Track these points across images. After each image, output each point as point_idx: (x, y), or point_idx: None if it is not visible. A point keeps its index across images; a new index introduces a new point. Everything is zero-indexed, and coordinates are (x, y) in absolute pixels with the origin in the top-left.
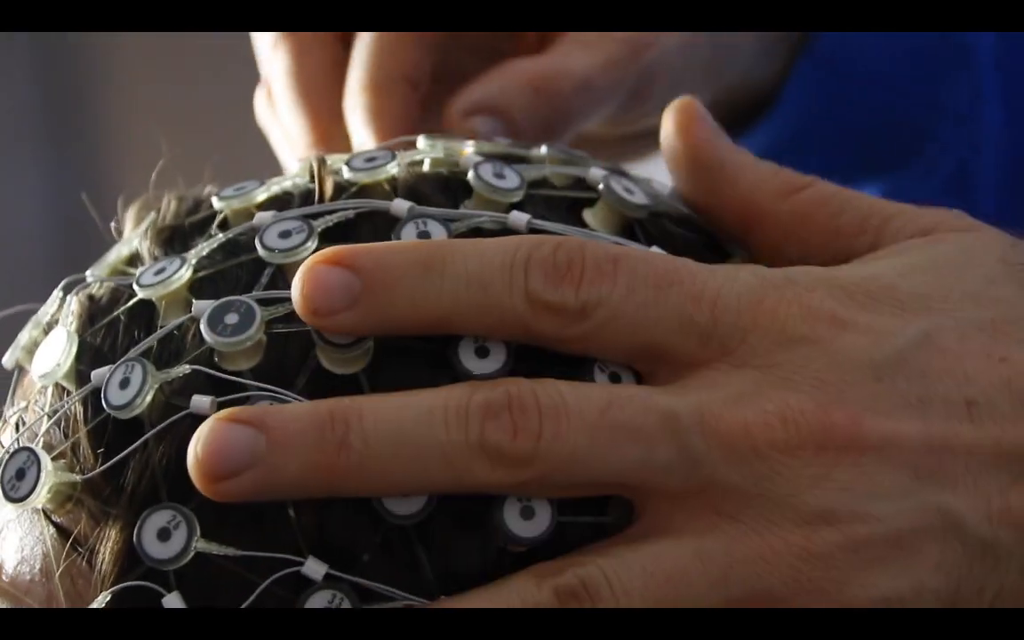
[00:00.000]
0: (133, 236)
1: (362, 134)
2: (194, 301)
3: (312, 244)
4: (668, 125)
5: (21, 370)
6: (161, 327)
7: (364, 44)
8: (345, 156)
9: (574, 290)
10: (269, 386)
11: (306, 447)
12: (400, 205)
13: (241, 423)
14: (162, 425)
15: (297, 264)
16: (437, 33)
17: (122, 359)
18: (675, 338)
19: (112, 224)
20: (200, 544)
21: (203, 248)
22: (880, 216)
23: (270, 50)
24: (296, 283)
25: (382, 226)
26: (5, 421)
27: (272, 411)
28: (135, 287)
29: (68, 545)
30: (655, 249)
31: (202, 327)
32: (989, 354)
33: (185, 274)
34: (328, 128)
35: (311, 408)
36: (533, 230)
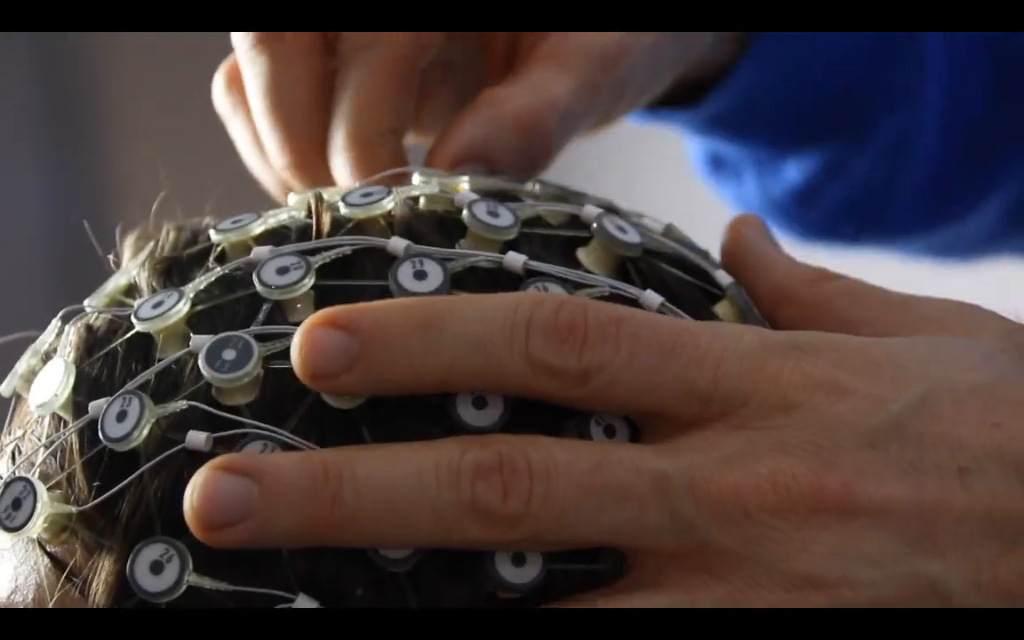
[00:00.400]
0: (131, 266)
1: (349, 183)
2: (192, 336)
3: (309, 280)
4: (731, 229)
5: (19, 398)
6: (159, 360)
7: (349, 95)
8: (341, 190)
9: (576, 353)
10: (265, 425)
11: (299, 500)
12: (397, 243)
13: (235, 473)
14: (157, 459)
15: (295, 300)
16: (422, 54)
17: (119, 392)
18: (676, 402)
19: (111, 256)
20: (192, 578)
21: (201, 282)
22: (894, 309)
23: (248, 50)
24: (295, 345)
25: (379, 264)
26: (1, 450)
27: (266, 461)
28: (133, 320)
29: (63, 576)
30: (649, 293)
31: (200, 363)
32: (982, 420)
33: (183, 308)
34: (306, 152)
35: (304, 459)
36: (529, 271)
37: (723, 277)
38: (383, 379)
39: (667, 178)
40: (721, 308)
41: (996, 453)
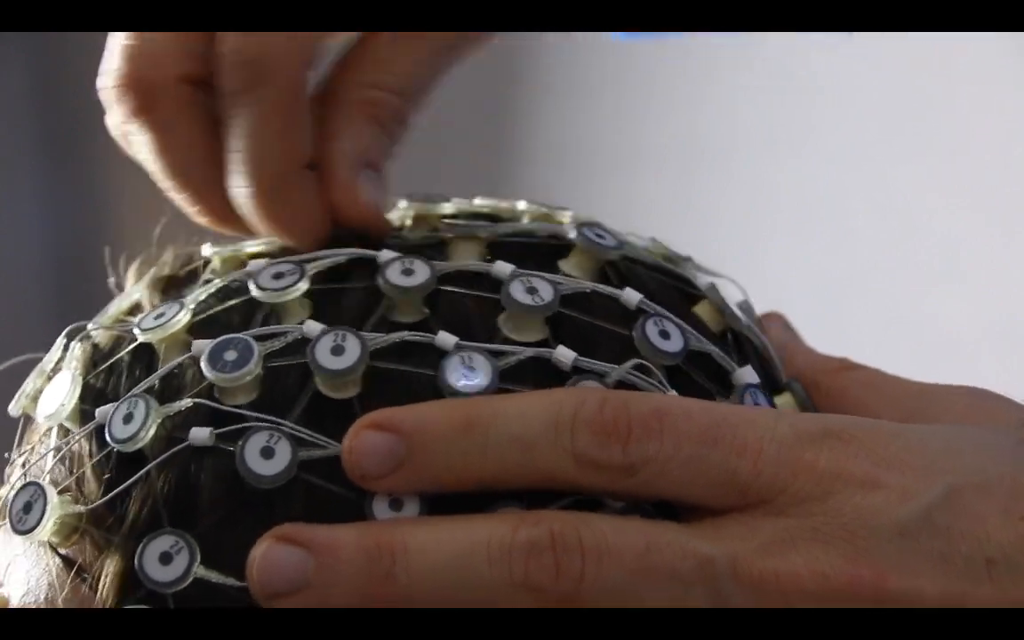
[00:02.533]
0: (133, 290)
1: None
2: (193, 341)
3: (304, 284)
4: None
5: (28, 418)
6: (162, 367)
7: (239, 149)
8: None
9: (621, 448)
10: (268, 416)
11: (353, 574)
12: (386, 253)
13: (293, 544)
14: (164, 456)
15: (290, 302)
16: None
17: (125, 396)
18: (718, 491)
19: (111, 280)
20: (200, 570)
21: (200, 293)
22: (913, 398)
23: (123, 126)
24: (345, 446)
25: (370, 272)
26: (12, 462)
27: (322, 535)
28: (136, 331)
29: (72, 572)
30: (628, 290)
31: (202, 364)
32: (1009, 511)
33: (184, 317)
34: (213, 205)
35: (357, 536)
36: (518, 274)
37: (703, 280)
38: (429, 479)
39: (666, 193)
40: (701, 308)
41: (1022, 545)
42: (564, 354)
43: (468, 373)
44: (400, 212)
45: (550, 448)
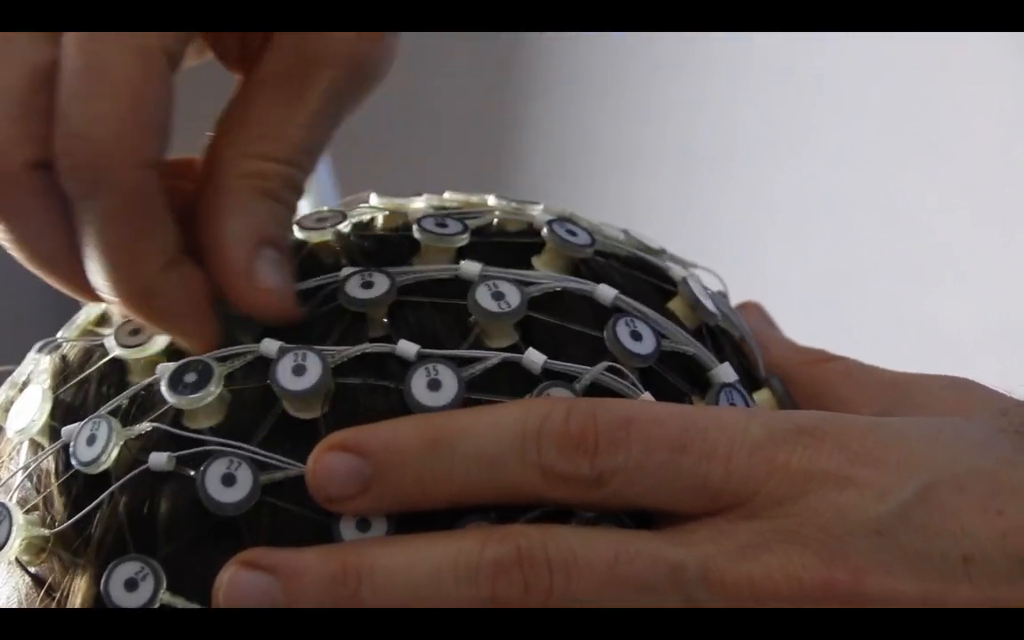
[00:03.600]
0: None
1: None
2: (159, 363)
3: None
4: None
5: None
6: (130, 386)
7: (90, 243)
8: (299, 216)
9: (589, 460)
10: (230, 441)
11: (320, 598)
12: (346, 269)
13: (257, 569)
14: (123, 480)
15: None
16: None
17: (90, 416)
18: (689, 497)
19: None
20: (166, 596)
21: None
22: (890, 387)
23: None
24: (308, 469)
25: (329, 282)
26: None
27: (289, 558)
28: (110, 343)
29: (42, 592)
30: (603, 286)
31: (162, 387)
32: (986, 507)
33: (162, 340)
34: (88, 289)
35: (322, 558)
36: (485, 277)
37: (677, 272)
38: (396, 498)
39: (657, 186)
40: (675, 304)
41: (1000, 542)
42: (534, 357)
43: (434, 385)
44: (370, 207)
45: (517, 463)
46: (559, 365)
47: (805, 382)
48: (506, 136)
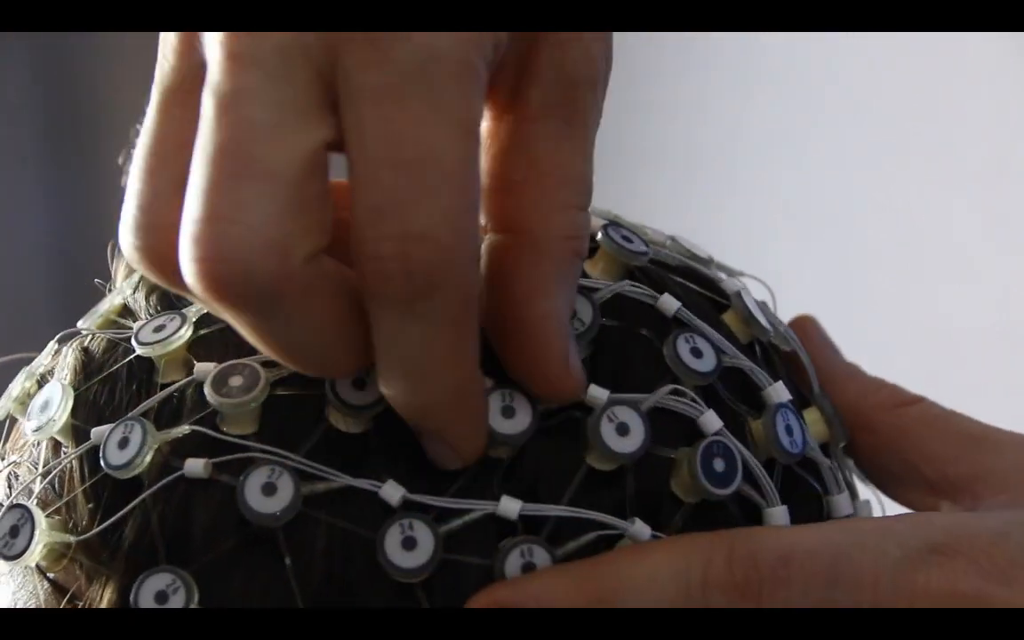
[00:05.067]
0: (125, 286)
1: None
2: (196, 364)
3: None
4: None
5: (13, 421)
6: (160, 385)
7: (391, 349)
8: None
9: (755, 603)
10: (273, 448)
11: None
12: None
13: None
14: (157, 486)
15: None
16: None
17: (122, 418)
18: None
19: (96, 281)
20: None
21: (203, 306)
22: (976, 445)
23: (229, 308)
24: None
25: None
26: None
27: (537, 595)
28: (134, 343)
29: (63, 601)
30: (667, 297)
31: (206, 389)
32: None
33: (185, 333)
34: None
35: (571, 588)
36: None
37: (729, 285)
38: None
39: (668, 185)
40: (728, 317)
41: None
42: (598, 393)
43: (507, 413)
44: None
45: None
46: (622, 398)
47: (886, 430)
48: None
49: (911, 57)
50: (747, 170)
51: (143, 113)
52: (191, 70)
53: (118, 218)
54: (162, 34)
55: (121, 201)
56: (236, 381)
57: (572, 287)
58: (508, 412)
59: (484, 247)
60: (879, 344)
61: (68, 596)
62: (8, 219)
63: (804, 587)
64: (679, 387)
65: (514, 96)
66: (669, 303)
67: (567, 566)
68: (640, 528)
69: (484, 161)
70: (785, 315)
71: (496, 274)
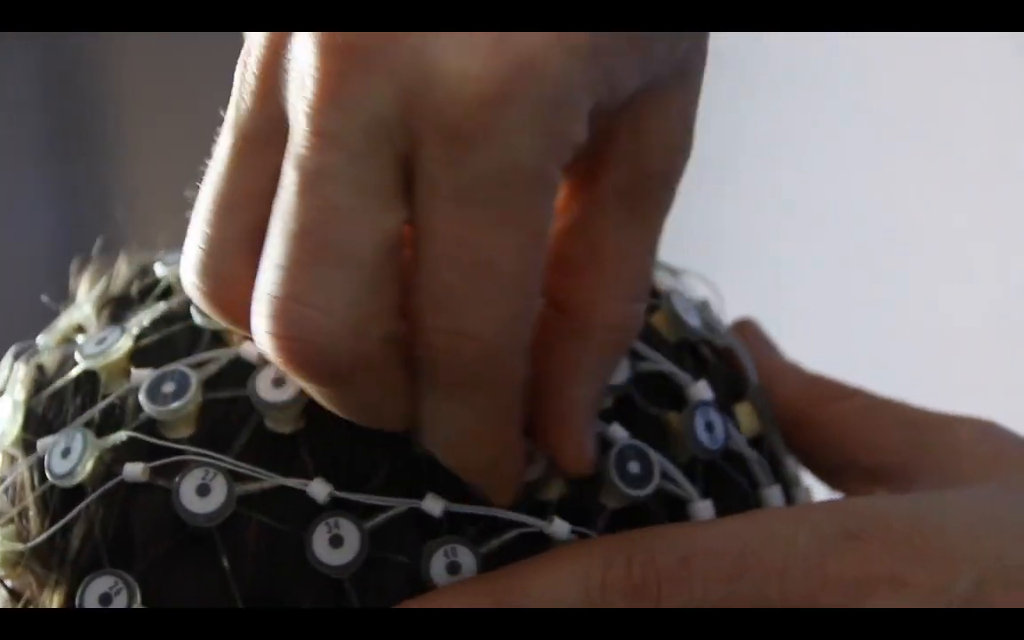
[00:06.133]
0: (84, 302)
1: None
2: (133, 370)
3: None
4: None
5: None
6: (104, 396)
7: (439, 423)
8: None
9: (654, 604)
10: (206, 451)
11: None
12: None
13: None
14: (98, 492)
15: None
16: None
17: (64, 428)
18: None
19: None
20: None
21: (143, 317)
22: (912, 430)
23: (311, 382)
24: None
25: None
26: None
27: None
28: (77, 357)
29: (18, 605)
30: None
31: (140, 397)
32: None
33: (125, 344)
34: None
35: (476, 600)
36: None
37: (664, 285)
38: None
39: None
40: (657, 318)
41: None
42: None
43: None
44: None
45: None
46: None
47: (823, 424)
48: None
49: (911, 57)
50: (747, 170)
51: (147, 114)
52: (270, 122)
53: (122, 218)
54: (240, 70)
55: (125, 201)
56: (168, 387)
57: (609, 376)
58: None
59: (536, 316)
60: (879, 344)
61: (23, 601)
62: (12, 218)
63: (704, 586)
64: None
65: (588, 178)
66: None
67: (472, 579)
68: (559, 526)
69: (550, 236)
70: (785, 314)
71: (540, 346)
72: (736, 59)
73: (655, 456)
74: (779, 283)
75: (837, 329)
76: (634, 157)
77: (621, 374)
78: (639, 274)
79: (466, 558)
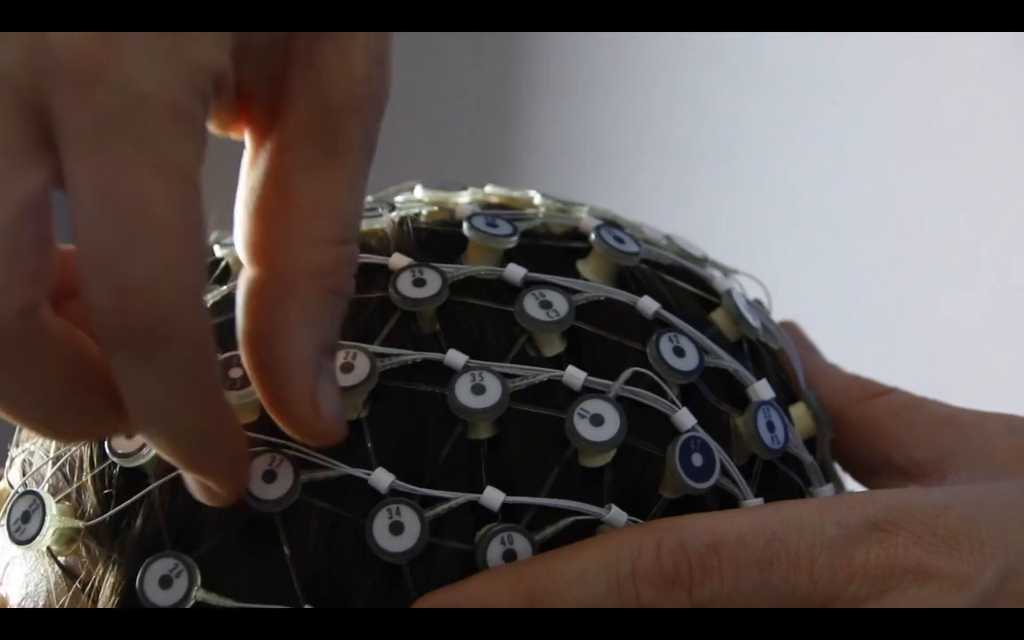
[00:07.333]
0: None
1: None
2: None
3: None
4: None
5: None
6: None
7: (135, 399)
8: None
9: (687, 594)
10: (269, 438)
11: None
12: (399, 259)
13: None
14: (166, 477)
15: None
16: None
17: None
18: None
19: None
20: (200, 594)
21: (215, 295)
22: (945, 428)
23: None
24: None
25: (380, 277)
26: (11, 461)
27: (473, 596)
28: None
29: (73, 585)
30: (645, 299)
31: None
32: None
33: None
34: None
35: (505, 588)
36: (528, 281)
37: (721, 283)
38: None
39: (667, 185)
40: (718, 315)
41: None
42: (574, 375)
43: (478, 391)
44: (416, 199)
45: (616, 605)
46: (598, 382)
47: (857, 423)
48: (508, 134)
49: (911, 57)
50: (747, 169)
51: None
52: None
53: None
54: None
55: None
56: (236, 373)
57: (326, 326)
58: (479, 390)
59: (240, 279)
60: (879, 343)
61: (77, 579)
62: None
63: (735, 574)
64: (658, 382)
65: (273, 118)
66: (647, 306)
67: (503, 567)
68: (616, 514)
69: (242, 189)
70: (785, 314)
71: (247, 310)
72: (736, 59)
73: (718, 451)
74: (779, 283)
75: (837, 329)
76: (315, 93)
77: (690, 362)
78: (339, 215)
79: (522, 545)
